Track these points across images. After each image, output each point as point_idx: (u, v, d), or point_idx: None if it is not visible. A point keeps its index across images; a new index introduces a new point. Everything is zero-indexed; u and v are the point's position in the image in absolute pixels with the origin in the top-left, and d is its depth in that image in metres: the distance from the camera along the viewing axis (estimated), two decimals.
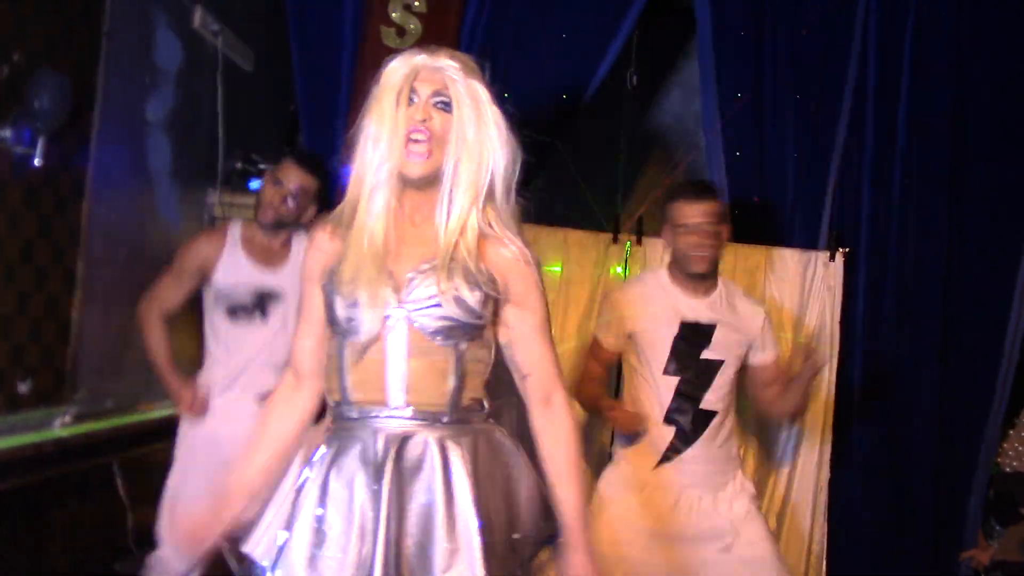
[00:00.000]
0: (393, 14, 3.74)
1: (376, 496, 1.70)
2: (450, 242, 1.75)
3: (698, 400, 2.95)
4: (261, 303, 3.02)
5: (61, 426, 2.97)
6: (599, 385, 3.05)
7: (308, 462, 1.83)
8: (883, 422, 3.87)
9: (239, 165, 4.01)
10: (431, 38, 3.69)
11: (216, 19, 3.70)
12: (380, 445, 1.74)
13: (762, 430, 3.76)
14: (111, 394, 3.26)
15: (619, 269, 3.91)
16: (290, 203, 3.02)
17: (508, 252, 1.80)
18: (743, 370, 3.05)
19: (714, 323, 2.97)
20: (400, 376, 1.76)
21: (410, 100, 1.74)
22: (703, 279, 2.98)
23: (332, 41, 3.87)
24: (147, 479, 3.14)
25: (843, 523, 3.82)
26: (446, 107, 1.74)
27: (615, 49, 3.91)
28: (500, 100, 1.81)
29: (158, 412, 3.47)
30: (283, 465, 1.90)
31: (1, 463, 2.66)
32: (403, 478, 1.72)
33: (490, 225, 1.78)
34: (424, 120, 1.72)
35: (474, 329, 1.77)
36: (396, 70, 1.75)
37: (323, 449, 1.82)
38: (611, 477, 3.04)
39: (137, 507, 3.19)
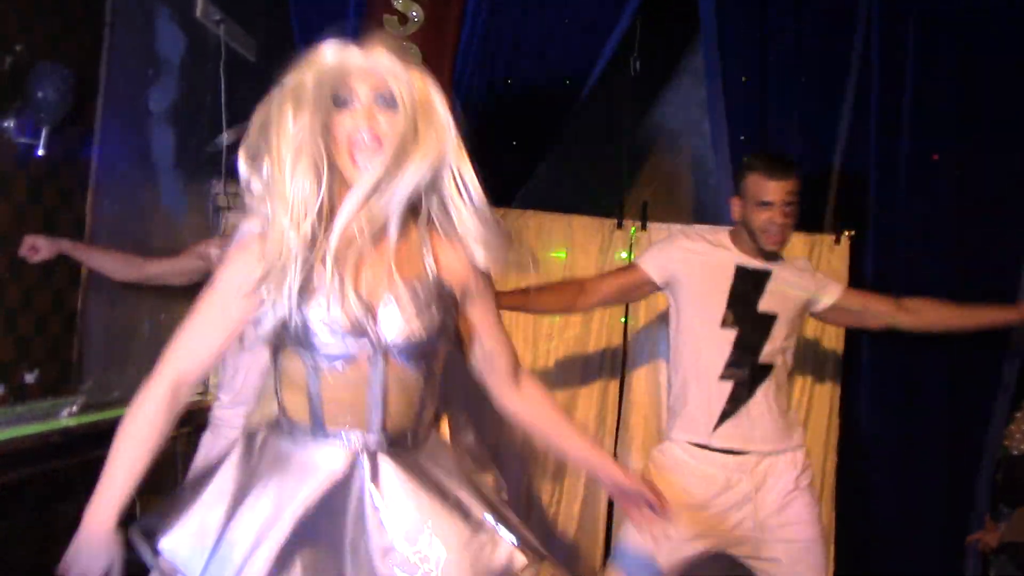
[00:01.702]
0: (395, 1, 3.72)
1: (343, 518, 1.66)
2: (417, 267, 1.71)
3: (757, 353, 2.90)
4: None
5: (68, 416, 2.98)
6: (575, 296, 3.04)
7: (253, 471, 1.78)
8: (889, 406, 3.86)
9: None
10: (433, 25, 3.68)
11: (218, 9, 3.69)
12: (345, 464, 1.71)
13: None
14: (117, 385, 3.27)
15: (624, 255, 3.90)
16: None
17: (460, 256, 1.75)
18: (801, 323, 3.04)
19: (769, 270, 2.93)
20: (378, 403, 1.72)
21: (347, 101, 1.69)
22: (773, 255, 2.96)
23: (335, 28, 3.84)
24: (153, 469, 3.13)
25: (850, 507, 3.82)
26: (389, 105, 1.67)
27: (618, 34, 3.90)
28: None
29: None
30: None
31: (8, 453, 2.68)
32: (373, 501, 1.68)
33: (441, 227, 1.72)
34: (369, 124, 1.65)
35: (439, 347, 1.76)
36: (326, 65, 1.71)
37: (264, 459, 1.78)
38: (659, 459, 3.00)
39: (144, 497, 3.19)
